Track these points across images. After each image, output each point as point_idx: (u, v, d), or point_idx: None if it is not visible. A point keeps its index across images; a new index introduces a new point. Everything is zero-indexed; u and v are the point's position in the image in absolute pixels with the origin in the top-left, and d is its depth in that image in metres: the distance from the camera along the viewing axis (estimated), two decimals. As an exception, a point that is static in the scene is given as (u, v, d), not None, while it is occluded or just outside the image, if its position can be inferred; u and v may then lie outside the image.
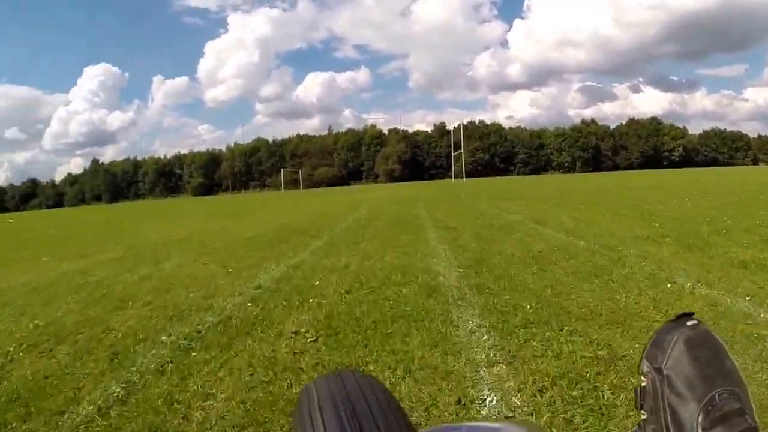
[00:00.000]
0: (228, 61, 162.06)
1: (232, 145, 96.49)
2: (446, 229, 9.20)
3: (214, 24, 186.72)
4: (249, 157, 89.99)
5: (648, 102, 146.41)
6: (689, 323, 0.55)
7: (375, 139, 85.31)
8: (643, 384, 0.54)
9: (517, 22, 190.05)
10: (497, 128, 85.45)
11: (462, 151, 62.06)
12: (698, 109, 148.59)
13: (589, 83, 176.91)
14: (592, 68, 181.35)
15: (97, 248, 10.88)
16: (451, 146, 69.94)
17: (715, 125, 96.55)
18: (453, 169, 63.76)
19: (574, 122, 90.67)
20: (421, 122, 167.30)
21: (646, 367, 0.55)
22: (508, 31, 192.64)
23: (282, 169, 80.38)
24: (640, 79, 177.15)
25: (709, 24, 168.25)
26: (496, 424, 0.63)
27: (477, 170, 62.08)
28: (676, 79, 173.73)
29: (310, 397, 0.56)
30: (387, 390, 0.58)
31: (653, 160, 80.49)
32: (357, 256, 6.86)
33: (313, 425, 0.49)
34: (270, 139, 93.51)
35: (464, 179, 56.24)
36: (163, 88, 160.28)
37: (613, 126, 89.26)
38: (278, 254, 7.58)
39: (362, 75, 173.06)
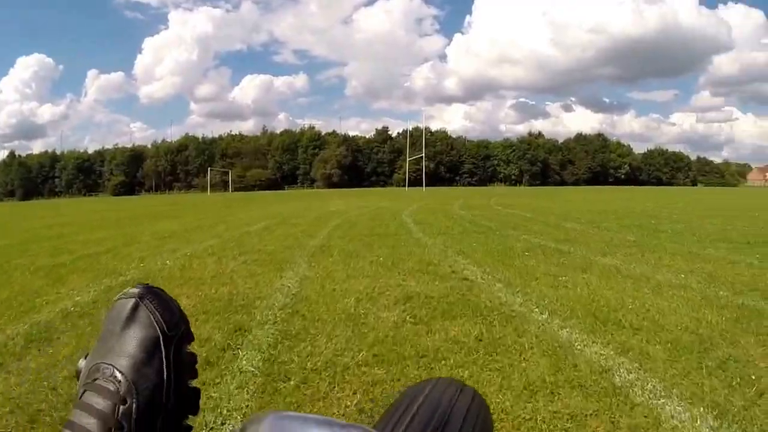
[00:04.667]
0: (166, 58, 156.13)
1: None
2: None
3: (155, 19, 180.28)
4: (176, 155, 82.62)
5: (579, 121, 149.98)
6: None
7: (312, 141, 79.58)
8: None
9: (457, 36, 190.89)
10: (443, 136, 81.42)
11: (423, 155, 57.45)
12: (626, 130, 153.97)
13: (523, 100, 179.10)
14: (527, 86, 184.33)
15: None
16: (395, 152, 65.67)
17: (646, 147, 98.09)
18: (407, 176, 59.19)
19: (505, 137, 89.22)
20: (355, 130, 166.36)
21: None
22: (448, 45, 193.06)
23: (209, 169, 73.32)
24: (573, 99, 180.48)
25: (645, 50, 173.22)
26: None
27: (419, 179, 57.65)
28: (607, 100, 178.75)
29: (408, 401, 0.61)
30: (486, 406, 0.65)
31: (600, 176, 79.52)
32: None
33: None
34: (200, 137, 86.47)
35: (424, 188, 51.61)
36: (98, 83, 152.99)
37: (560, 140, 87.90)
38: None
39: (300, 80, 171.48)
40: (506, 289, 4.56)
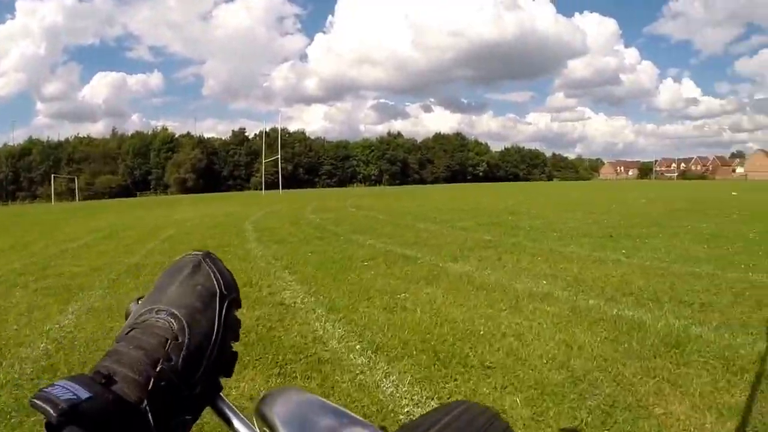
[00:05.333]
0: (10, 51, 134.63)
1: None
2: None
3: (0, 7, 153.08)
4: (18, 160, 71.17)
5: (438, 121, 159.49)
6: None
7: (166, 144, 73.30)
8: None
9: (319, 36, 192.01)
10: (301, 137, 79.59)
11: (279, 157, 54.88)
12: (485, 129, 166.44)
13: (383, 100, 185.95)
14: (388, 86, 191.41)
15: None
16: (252, 155, 62.20)
17: (503, 145, 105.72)
18: (263, 179, 56.39)
19: (364, 137, 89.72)
20: (212, 131, 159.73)
21: None
22: (310, 44, 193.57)
23: (53, 176, 63.23)
24: (432, 100, 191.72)
25: (503, 54, 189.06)
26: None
27: (277, 182, 55.27)
28: (466, 101, 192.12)
29: (431, 421, 0.61)
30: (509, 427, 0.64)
31: (459, 174, 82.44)
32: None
33: None
34: (45, 140, 76.27)
35: (281, 191, 49.20)
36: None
37: (419, 140, 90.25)
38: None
39: (155, 78, 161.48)
40: (327, 315, 3.83)
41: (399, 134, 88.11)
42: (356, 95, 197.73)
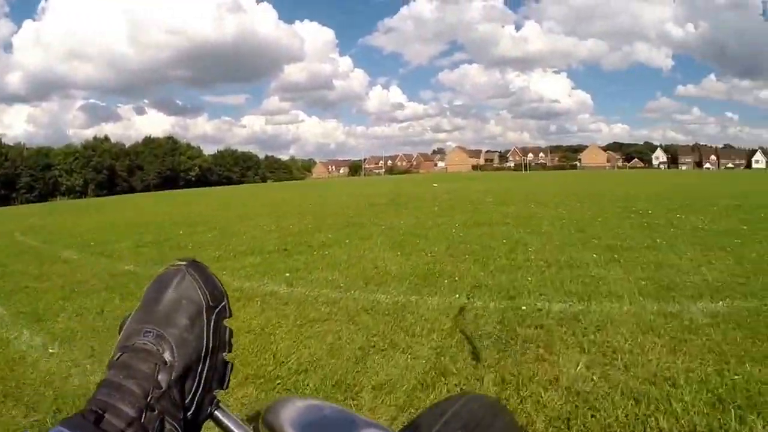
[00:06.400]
0: None
1: None
2: None
3: None
4: None
5: (152, 124, 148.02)
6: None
7: None
8: None
9: (27, 23, 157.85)
10: (-5, 145, 62.91)
11: None
12: (200, 132, 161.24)
13: (93, 101, 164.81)
14: (99, 85, 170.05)
15: None
16: None
17: (216, 148, 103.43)
18: None
19: (71, 142, 79.35)
20: None
21: None
22: (16, 32, 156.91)
23: None
24: (146, 101, 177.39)
25: (221, 55, 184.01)
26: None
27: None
28: (181, 103, 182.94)
29: (435, 414, 0.62)
30: (517, 424, 0.67)
31: (171, 180, 77.48)
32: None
33: None
34: None
35: None
36: None
37: (128, 144, 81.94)
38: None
39: None
40: None
41: (106, 138, 77.55)
42: (65, 94, 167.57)
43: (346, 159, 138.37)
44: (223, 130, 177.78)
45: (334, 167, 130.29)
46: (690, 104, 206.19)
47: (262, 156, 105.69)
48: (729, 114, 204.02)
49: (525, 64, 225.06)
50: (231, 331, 0.50)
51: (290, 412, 0.53)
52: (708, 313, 3.51)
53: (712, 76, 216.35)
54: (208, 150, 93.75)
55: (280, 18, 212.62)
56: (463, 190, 21.10)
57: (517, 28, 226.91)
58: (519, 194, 17.03)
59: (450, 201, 14.59)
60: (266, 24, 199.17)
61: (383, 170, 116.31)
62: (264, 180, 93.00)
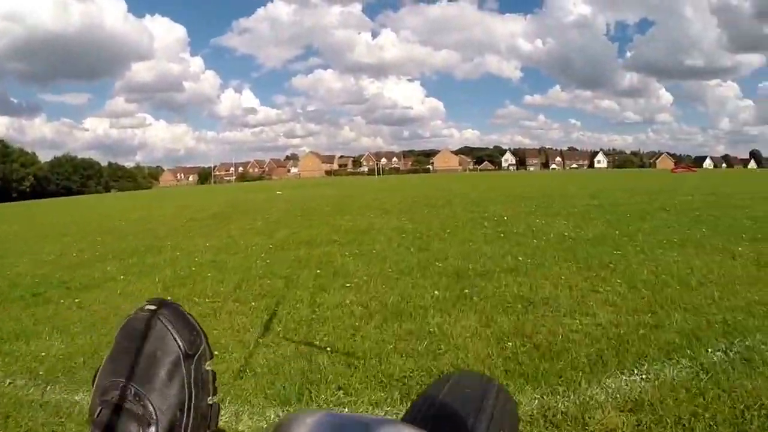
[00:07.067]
0: None
1: None
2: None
3: None
4: None
5: None
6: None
7: None
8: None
9: None
10: None
11: None
12: (38, 135, 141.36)
13: None
14: None
15: None
16: None
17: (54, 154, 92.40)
18: None
19: None
20: None
21: None
22: None
23: None
24: None
25: (63, 48, 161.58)
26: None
27: None
28: (16, 101, 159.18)
29: (435, 393, 0.61)
30: (512, 399, 0.64)
31: (2, 192, 66.95)
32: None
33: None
34: None
35: None
36: None
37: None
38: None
39: None
40: None
41: None
42: None
43: (196, 166, 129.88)
44: (64, 134, 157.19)
45: (182, 174, 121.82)
46: (536, 112, 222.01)
47: (104, 163, 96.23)
48: (572, 120, 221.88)
49: (380, 71, 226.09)
50: (214, 374, 0.48)
51: (305, 428, 0.46)
52: (621, 406, 2.06)
53: (558, 87, 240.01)
54: (46, 156, 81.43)
55: (129, 11, 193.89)
56: (306, 197, 19.70)
57: (374, 35, 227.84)
58: (362, 201, 15.93)
59: (283, 212, 12.99)
60: (114, 16, 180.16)
61: (234, 177, 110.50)
62: (108, 189, 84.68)
